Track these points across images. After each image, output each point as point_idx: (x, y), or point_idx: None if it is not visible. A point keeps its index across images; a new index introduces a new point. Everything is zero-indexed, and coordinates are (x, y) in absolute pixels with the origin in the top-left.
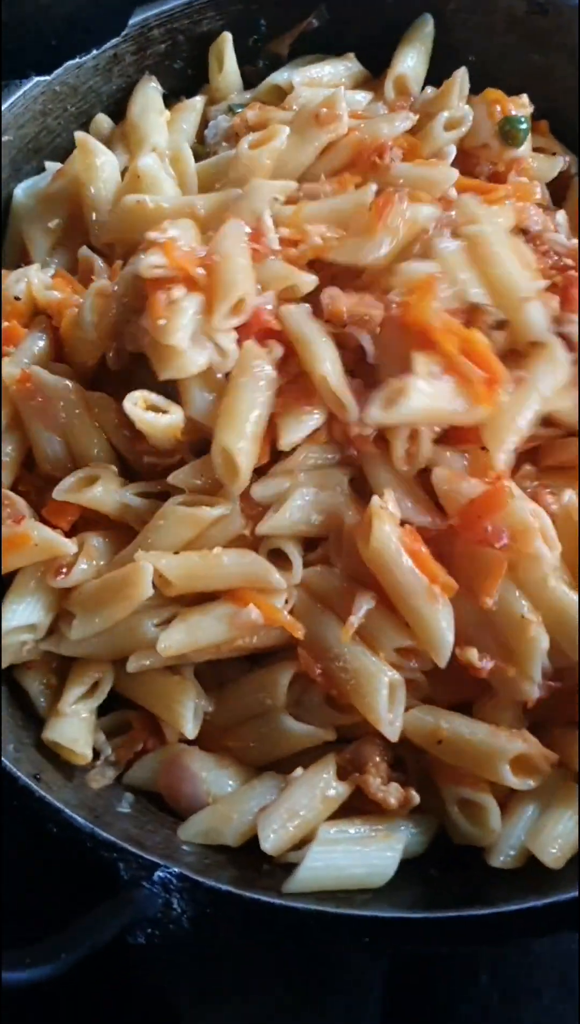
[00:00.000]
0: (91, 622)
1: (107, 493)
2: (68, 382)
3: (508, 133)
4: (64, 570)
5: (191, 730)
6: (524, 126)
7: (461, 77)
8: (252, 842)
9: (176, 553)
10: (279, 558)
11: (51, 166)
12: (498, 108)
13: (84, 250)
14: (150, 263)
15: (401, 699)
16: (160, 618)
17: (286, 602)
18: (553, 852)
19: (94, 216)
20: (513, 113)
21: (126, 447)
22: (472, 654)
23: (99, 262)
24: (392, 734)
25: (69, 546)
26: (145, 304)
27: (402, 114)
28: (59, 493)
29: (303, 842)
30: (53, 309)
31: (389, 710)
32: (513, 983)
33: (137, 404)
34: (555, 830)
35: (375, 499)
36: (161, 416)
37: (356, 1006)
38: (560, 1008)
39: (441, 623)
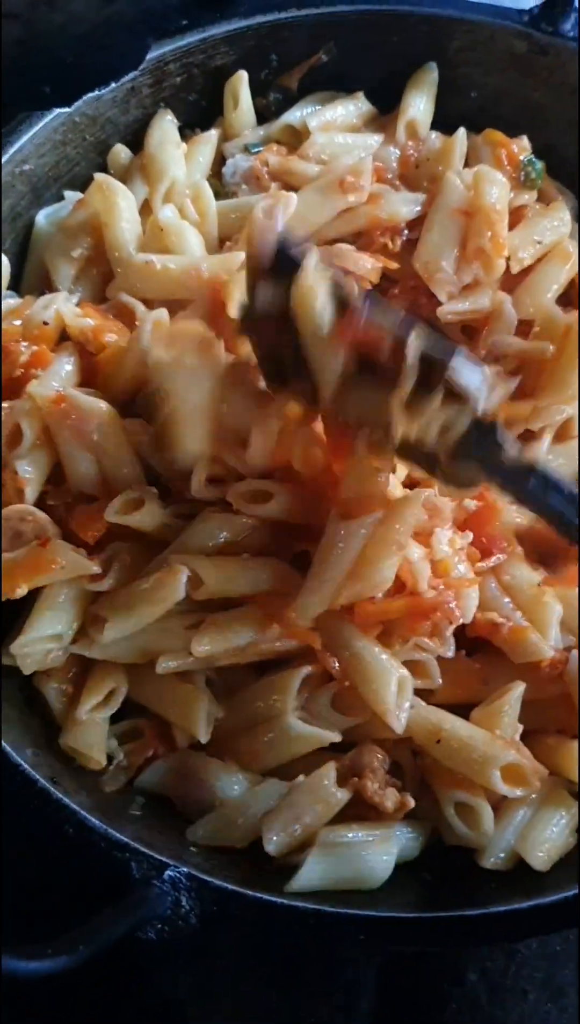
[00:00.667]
0: (125, 623)
1: (151, 516)
2: (103, 404)
3: (528, 176)
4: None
5: (204, 734)
6: (539, 167)
7: (460, 137)
8: (256, 844)
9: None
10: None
11: (71, 195)
12: (504, 152)
13: (124, 296)
14: None
15: (409, 694)
16: (189, 622)
17: None
18: (540, 855)
19: (116, 259)
20: (524, 157)
21: (163, 467)
22: (493, 615)
23: (140, 307)
24: (398, 727)
25: (93, 568)
26: None
27: (418, 196)
28: (110, 515)
29: (304, 845)
30: (87, 336)
31: (397, 704)
32: (500, 983)
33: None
34: (543, 834)
35: None
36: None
37: (349, 1004)
38: (545, 1008)
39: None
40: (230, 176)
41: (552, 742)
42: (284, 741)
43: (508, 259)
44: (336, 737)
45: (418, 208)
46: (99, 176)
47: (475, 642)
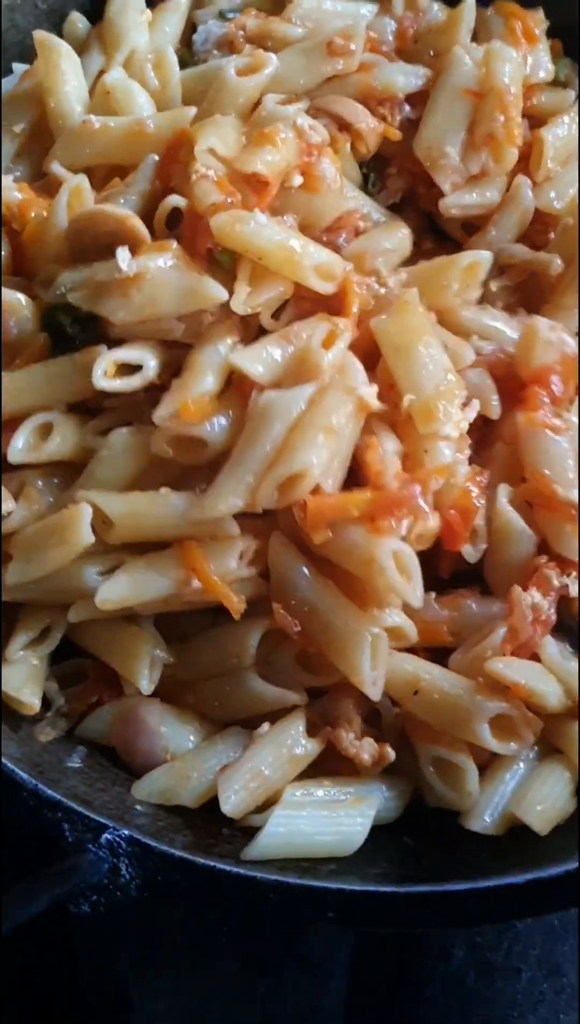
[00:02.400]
0: (26, 568)
1: (65, 442)
2: (22, 296)
3: (557, 77)
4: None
5: (146, 685)
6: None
7: (469, 6)
8: (211, 804)
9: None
10: None
11: (18, 68)
12: (519, 25)
13: (56, 167)
14: None
15: (384, 656)
16: (104, 566)
17: (241, 556)
18: (539, 814)
19: (58, 127)
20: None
21: None
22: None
23: (68, 176)
24: (375, 694)
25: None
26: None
27: (419, 69)
28: (15, 455)
29: (267, 804)
30: (12, 212)
31: (372, 668)
32: (490, 959)
33: (106, 373)
34: (541, 792)
35: None
36: (132, 379)
37: (318, 981)
38: (540, 987)
39: None
40: (201, 44)
41: (547, 719)
42: (243, 698)
43: (522, 149)
44: (300, 699)
45: (419, 81)
46: (39, 34)
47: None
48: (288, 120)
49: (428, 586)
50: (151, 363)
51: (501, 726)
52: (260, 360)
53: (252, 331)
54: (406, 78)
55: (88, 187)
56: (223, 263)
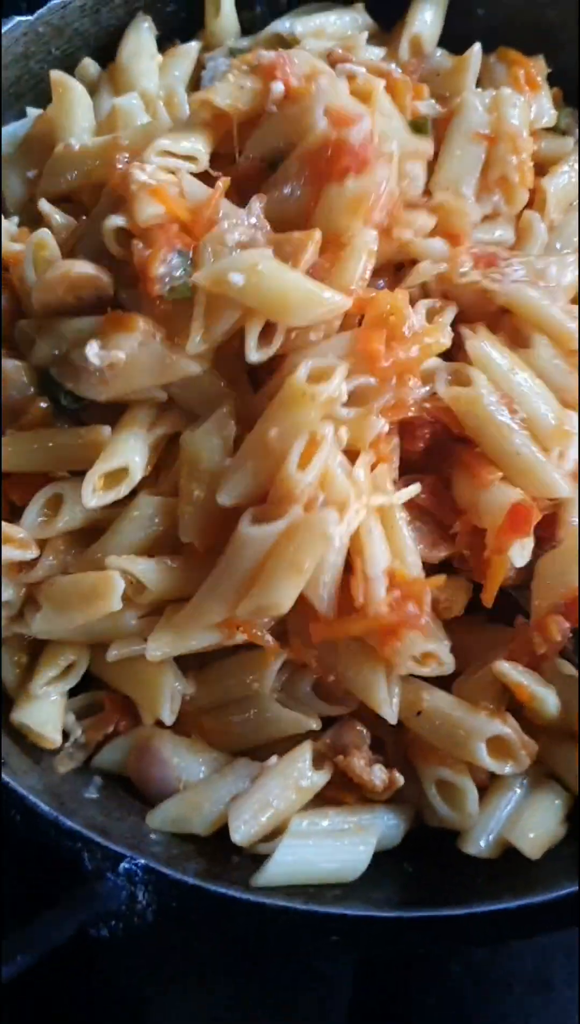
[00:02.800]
0: (57, 620)
1: (76, 516)
2: (20, 363)
3: (558, 126)
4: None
5: (168, 715)
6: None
7: (475, 53)
8: (222, 832)
9: (150, 555)
10: None
11: (32, 112)
12: (522, 72)
13: (43, 203)
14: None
15: (397, 680)
16: (141, 611)
17: None
18: (531, 840)
19: (71, 140)
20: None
21: None
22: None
23: (57, 216)
24: (391, 716)
25: (30, 552)
26: None
27: (429, 103)
28: (29, 530)
29: (275, 833)
30: (11, 262)
31: (389, 693)
32: (485, 975)
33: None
34: (533, 819)
35: None
36: (120, 487)
37: (324, 999)
38: (532, 1000)
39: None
40: (208, 80)
41: (545, 741)
42: (261, 723)
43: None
44: (316, 724)
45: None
46: (56, 74)
47: None
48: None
49: None
50: (137, 462)
51: (498, 747)
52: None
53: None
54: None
55: (52, 242)
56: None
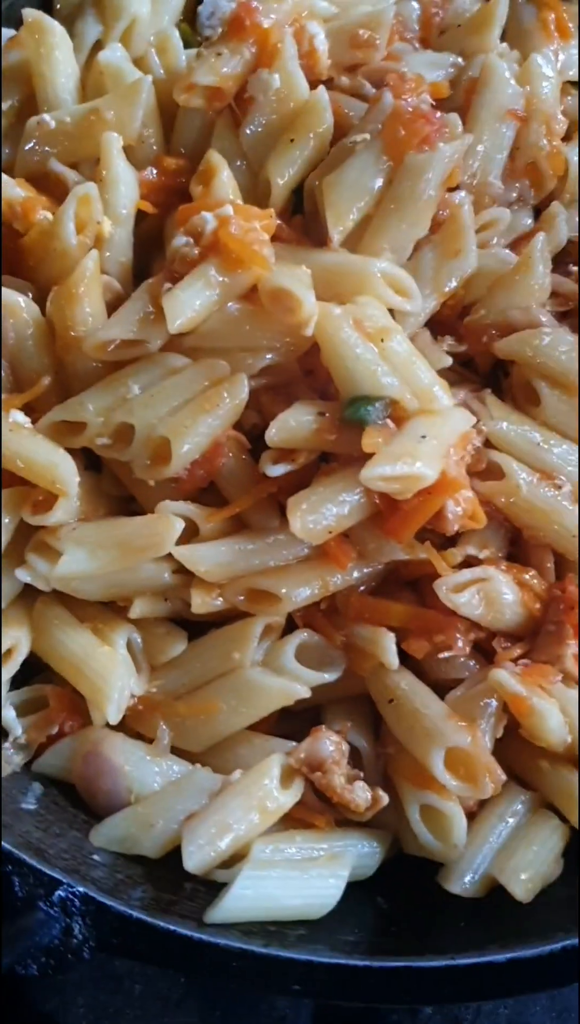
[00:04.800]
0: (88, 563)
1: (69, 513)
2: (20, 298)
3: None
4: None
5: (114, 714)
6: None
7: (502, 4)
8: (175, 854)
9: None
10: None
11: (5, 32)
12: (552, 16)
13: (55, 164)
14: None
15: None
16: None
17: None
18: (523, 882)
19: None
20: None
21: None
22: None
23: (71, 177)
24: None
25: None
26: None
27: (447, 58)
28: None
29: (235, 858)
30: (15, 211)
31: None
32: (458, 1017)
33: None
34: (526, 857)
35: None
36: None
37: None
38: None
39: None
40: (206, 18)
41: (545, 767)
42: (244, 697)
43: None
44: (305, 692)
45: (448, 72)
46: (31, 14)
47: None
48: None
49: None
50: None
51: (460, 763)
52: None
53: None
54: (434, 71)
55: (96, 194)
56: None
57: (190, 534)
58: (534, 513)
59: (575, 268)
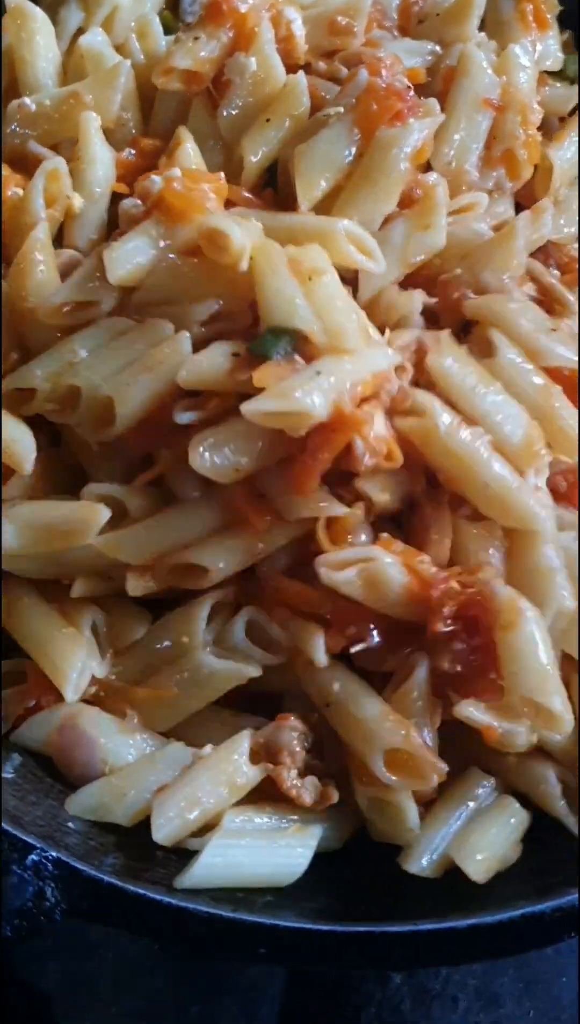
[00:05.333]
0: (16, 540)
1: (20, 489)
2: None
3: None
4: None
5: (72, 692)
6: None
7: None
8: (146, 823)
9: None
10: None
11: None
12: (530, 7)
13: (34, 145)
14: None
15: None
16: None
17: None
18: (478, 863)
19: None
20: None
21: None
22: None
23: (49, 156)
24: (321, 660)
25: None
26: None
27: (425, 46)
28: None
29: (206, 828)
30: None
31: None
32: (427, 987)
33: None
34: (483, 840)
35: None
36: None
37: (251, 1005)
38: (476, 1017)
39: None
40: (189, 5)
41: (512, 760)
42: (196, 681)
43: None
44: (255, 671)
45: (426, 60)
46: (13, 0)
47: None
48: None
49: None
50: None
51: (399, 761)
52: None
53: None
54: (411, 58)
55: (66, 170)
56: None
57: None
58: (450, 457)
59: (556, 271)
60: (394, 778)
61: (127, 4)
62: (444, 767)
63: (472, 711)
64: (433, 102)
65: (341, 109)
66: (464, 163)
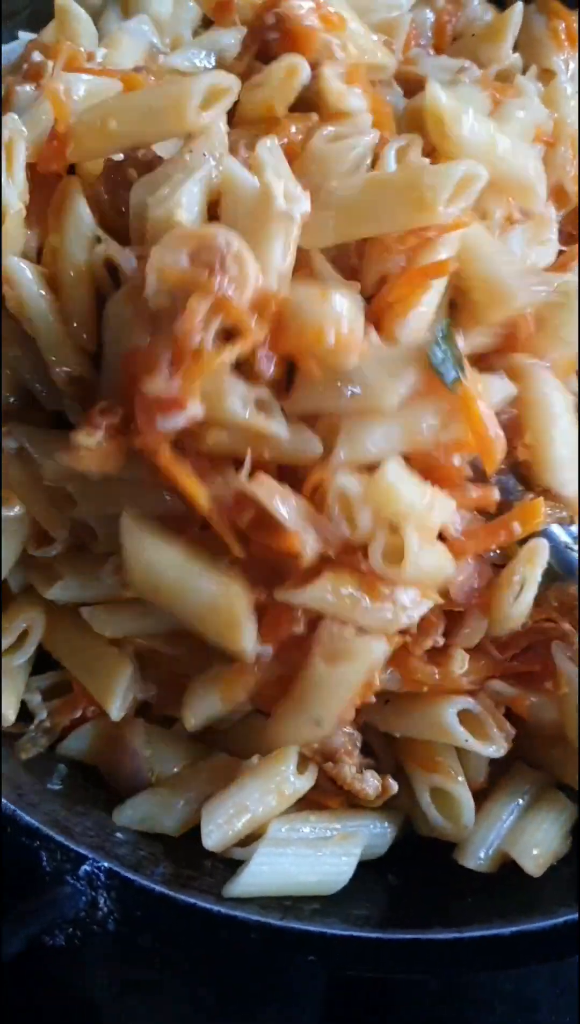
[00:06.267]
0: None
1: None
2: None
3: None
4: None
5: (117, 711)
6: None
7: (516, 14)
8: (194, 832)
9: None
10: None
11: (24, 36)
12: (562, 26)
13: None
14: None
15: None
16: None
17: None
18: (534, 857)
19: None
20: None
21: None
22: None
23: None
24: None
25: None
26: None
27: (458, 63)
28: None
29: (251, 837)
30: None
31: None
32: (465, 992)
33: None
34: (536, 835)
35: None
36: None
37: (293, 1012)
38: (514, 1023)
39: None
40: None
41: (543, 738)
42: None
43: None
44: None
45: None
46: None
47: None
48: None
49: None
50: None
51: (470, 726)
52: None
53: None
54: (446, 76)
55: None
56: None
57: None
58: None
59: None
60: (468, 736)
61: (165, 13)
62: (509, 727)
63: (501, 685)
64: None
65: None
66: None
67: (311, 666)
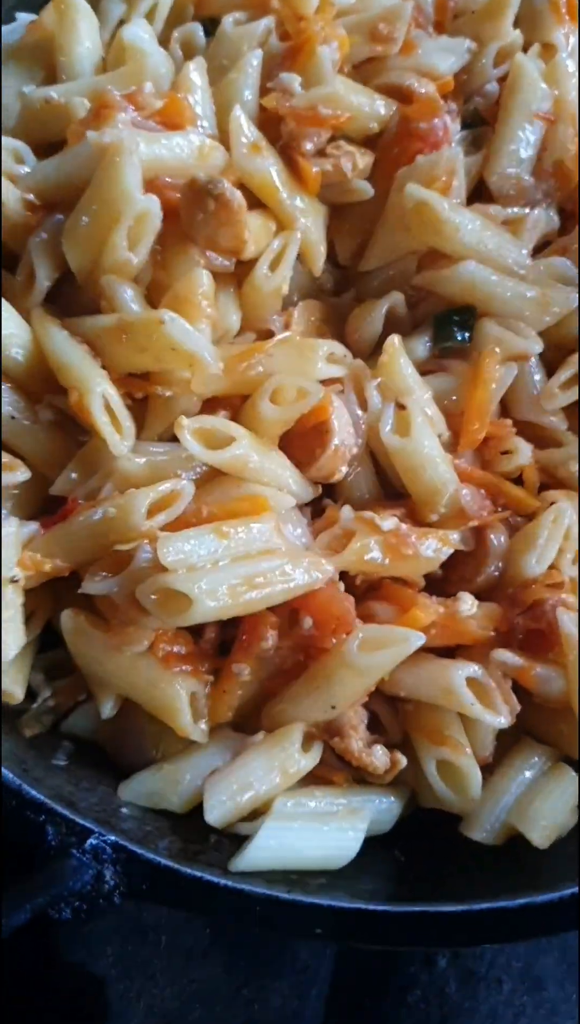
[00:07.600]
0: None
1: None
2: None
3: None
4: None
5: (199, 733)
6: None
7: None
8: (200, 808)
9: None
10: None
11: (23, 17)
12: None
13: None
14: None
15: None
16: None
17: None
18: (542, 829)
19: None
20: None
21: None
22: None
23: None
24: None
25: None
26: None
27: (463, 44)
28: None
29: (257, 813)
30: None
31: None
32: (472, 970)
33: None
34: (545, 805)
35: None
36: None
37: (301, 987)
38: (520, 1000)
39: None
40: None
41: (551, 713)
42: None
43: None
44: None
45: (462, 60)
46: None
47: None
48: None
49: None
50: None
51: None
52: None
53: None
54: (448, 60)
55: None
56: None
57: None
58: None
59: None
60: (475, 701)
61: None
62: (514, 700)
63: (508, 655)
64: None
65: None
66: (517, 175)
67: (338, 653)
